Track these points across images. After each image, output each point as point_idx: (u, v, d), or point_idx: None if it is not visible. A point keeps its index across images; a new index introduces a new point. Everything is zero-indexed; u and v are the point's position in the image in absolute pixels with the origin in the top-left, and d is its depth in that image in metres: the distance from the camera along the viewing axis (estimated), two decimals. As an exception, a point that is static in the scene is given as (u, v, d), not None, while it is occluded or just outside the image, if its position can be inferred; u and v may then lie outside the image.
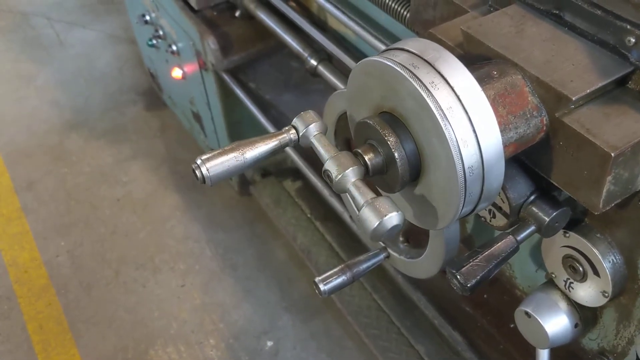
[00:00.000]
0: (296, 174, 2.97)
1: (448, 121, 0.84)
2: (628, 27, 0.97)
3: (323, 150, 0.99)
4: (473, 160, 0.86)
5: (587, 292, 1.20)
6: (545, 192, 1.12)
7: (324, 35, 2.13)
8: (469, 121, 0.85)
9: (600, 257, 1.14)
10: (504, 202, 1.12)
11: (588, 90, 0.96)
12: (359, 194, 0.88)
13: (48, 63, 4.29)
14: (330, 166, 0.92)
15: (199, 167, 0.99)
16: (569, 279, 1.22)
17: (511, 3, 1.14)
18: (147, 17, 3.03)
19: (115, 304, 2.89)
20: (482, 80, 0.96)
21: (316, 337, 2.73)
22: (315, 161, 2.48)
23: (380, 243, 1.56)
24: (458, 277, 1.04)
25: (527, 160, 1.06)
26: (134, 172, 3.49)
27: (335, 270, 1.43)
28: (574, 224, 1.17)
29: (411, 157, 0.92)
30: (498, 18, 1.10)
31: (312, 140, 1.02)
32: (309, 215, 2.84)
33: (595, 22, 1.02)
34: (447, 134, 0.84)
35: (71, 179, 3.49)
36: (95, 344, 2.76)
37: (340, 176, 0.90)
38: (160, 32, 2.97)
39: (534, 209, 1.10)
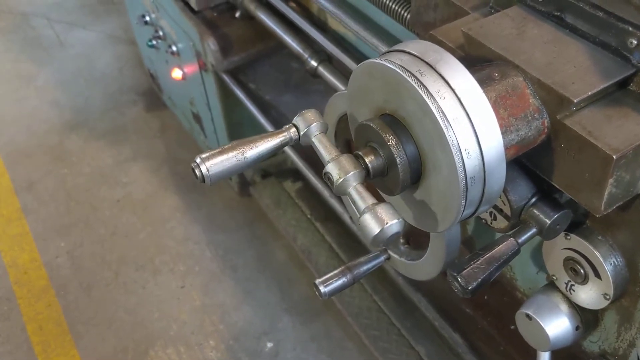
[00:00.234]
0: (296, 174, 2.97)
1: (449, 123, 0.84)
2: (630, 29, 0.97)
3: (324, 151, 0.98)
4: (474, 163, 0.86)
5: (588, 295, 1.20)
6: (547, 194, 1.11)
7: (324, 36, 2.13)
8: (470, 124, 0.85)
9: (601, 259, 1.13)
10: (505, 205, 1.12)
11: (590, 93, 0.95)
12: (360, 198, 0.87)
13: (48, 63, 4.29)
14: (331, 169, 0.92)
15: (198, 165, 0.98)
16: (570, 281, 1.22)
17: (512, 4, 1.14)
18: (147, 18, 3.03)
19: (115, 305, 2.89)
20: (483, 82, 0.95)
21: (316, 338, 2.73)
22: (315, 162, 2.48)
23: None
24: (459, 279, 1.04)
25: (528, 162, 1.06)
26: (134, 173, 3.49)
27: (335, 272, 1.43)
28: (575, 226, 1.17)
29: (412, 159, 0.92)
30: (499, 20, 1.10)
31: (313, 140, 1.01)
32: (309, 216, 2.83)
33: (596, 24, 1.02)
34: (448, 137, 0.84)
35: (71, 180, 3.48)
36: (95, 345, 2.75)
37: (341, 180, 0.90)
38: (160, 33, 2.97)
39: (535, 211, 1.10)
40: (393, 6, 1.70)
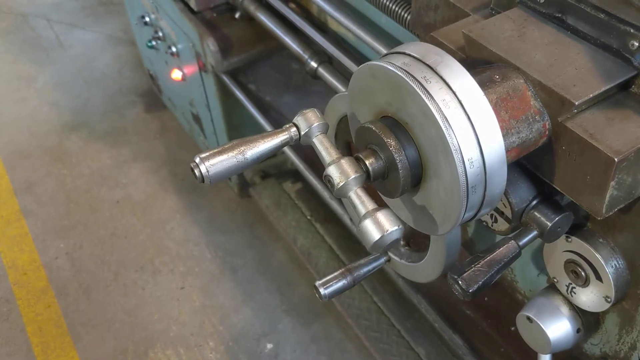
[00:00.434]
0: (296, 175, 2.97)
1: (450, 126, 0.83)
2: (631, 30, 0.96)
3: (325, 152, 0.97)
4: (475, 166, 0.85)
5: (589, 297, 1.19)
6: (548, 196, 1.11)
7: (325, 37, 2.12)
8: (471, 126, 0.84)
9: (602, 262, 1.13)
10: (506, 207, 1.12)
11: (591, 95, 0.95)
12: (360, 203, 0.87)
13: (48, 64, 4.28)
14: (332, 172, 0.91)
15: (197, 165, 0.96)
16: (571, 283, 1.22)
17: (513, 6, 1.13)
18: (147, 19, 3.02)
19: (114, 307, 2.88)
20: (484, 85, 0.95)
21: (316, 339, 2.72)
22: (315, 163, 2.48)
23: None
24: (460, 282, 1.03)
25: (529, 164, 1.05)
26: (133, 174, 3.49)
27: (335, 274, 1.43)
28: (576, 229, 1.17)
29: (413, 162, 0.91)
30: (500, 21, 1.09)
31: (314, 140, 1.00)
32: (309, 218, 2.83)
33: (598, 26, 1.01)
34: (449, 139, 0.83)
35: (71, 181, 3.48)
36: (94, 346, 2.75)
37: (342, 184, 0.89)
38: (160, 34, 2.96)
39: (536, 213, 1.09)
40: (393, 7, 1.70)
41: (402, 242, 1.51)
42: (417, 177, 0.93)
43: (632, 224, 1.07)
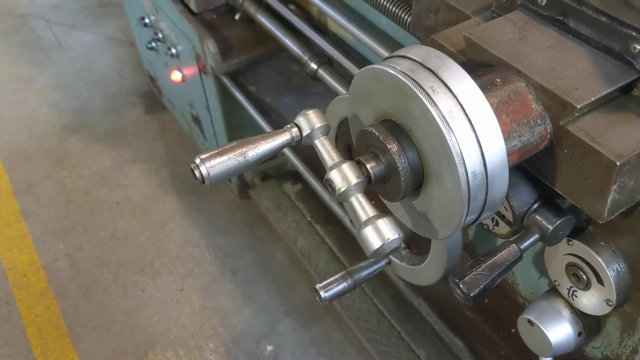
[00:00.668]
0: (296, 177, 2.96)
1: (451, 130, 0.83)
2: (633, 34, 0.96)
3: (327, 156, 0.97)
4: (477, 170, 0.85)
5: (590, 301, 1.19)
6: (549, 200, 1.11)
7: (324, 38, 2.12)
8: (472, 130, 0.84)
9: (604, 265, 1.13)
10: (507, 210, 1.11)
11: (592, 98, 0.94)
12: (361, 209, 0.87)
13: (47, 65, 4.28)
14: (334, 177, 0.90)
15: (197, 166, 0.95)
16: (572, 287, 1.21)
17: (514, 9, 1.13)
18: (147, 20, 3.02)
19: (114, 308, 2.88)
20: (485, 88, 0.95)
21: (316, 341, 2.72)
22: (315, 164, 2.47)
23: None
24: (461, 286, 1.03)
25: (530, 168, 1.05)
26: (133, 176, 3.48)
27: (336, 277, 1.42)
28: (577, 232, 1.16)
29: (414, 167, 0.91)
30: (501, 24, 1.09)
31: (315, 142, 0.99)
32: (309, 219, 2.83)
33: (599, 29, 1.01)
34: (450, 143, 0.83)
35: (70, 182, 3.47)
36: (94, 348, 2.74)
37: (343, 189, 0.89)
38: (160, 35, 2.96)
39: (537, 217, 1.09)
40: (393, 9, 1.69)
41: (402, 245, 1.50)
42: (418, 181, 0.93)
43: (633, 227, 1.07)
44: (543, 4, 1.07)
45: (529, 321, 1.26)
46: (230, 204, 3.28)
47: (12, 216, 3.31)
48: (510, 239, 1.10)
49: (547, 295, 1.29)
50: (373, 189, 1.02)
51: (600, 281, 1.15)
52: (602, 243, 1.14)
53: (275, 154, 1.01)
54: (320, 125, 0.99)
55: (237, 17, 2.56)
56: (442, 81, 0.86)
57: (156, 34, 2.98)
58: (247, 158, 0.95)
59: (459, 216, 0.89)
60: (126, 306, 2.89)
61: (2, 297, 2.95)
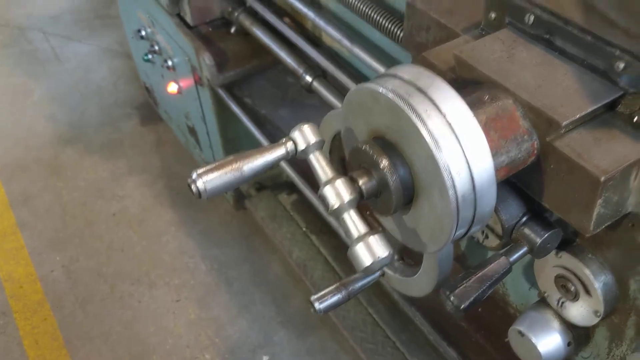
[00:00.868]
0: (291, 187, 2.98)
1: (440, 148, 0.85)
2: (617, 52, 0.99)
3: (321, 171, 0.99)
4: (465, 186, 0.88)
5: (579, 312, 1.21)
6: (537, 213, 1.13)
7: (319, 51, 2.15)
8: (460, 148, 0.86)
9: (592, 277, 1.15)
10: (496, 224, 1.14)
11: (578, 115, 0.97)
12: (353, 226, 0.89)
13: (44, 77, 4.30)
14: (327, 193, 0.93)
15: (194, 181, 0.97)
16: (561, 298, 1.24)
17: (503, 27, 1.16)
18: (143, 33, 3.05)
19: (110, 319, 2.89)
20: (473, 105, 0.97)
21: (312, 352, 2.73)
22: (310, 175, 2.49)
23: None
24: (452, 298, 1.05)
25: (518, 182, 1.07)
26: (129, 187, 3.50)
27: (330, 288, 1.44)
28: (565, 244, 1.19)
29: (404, 183, 0.93)
30: (490, 42, 1.12)
31: (310, 157, 1.02)
32: (304, 230, 2.84)
33: (585, 47, 1.04)
34: (439, 161, 0.86)
35: (67, 194, 3.49)
36: (91, 359, 2.75)
37: (336, 206, 0.92)
38: (156, 47, 2.99)
39: (526, 230, 1.11)
40: (387, 24, 1.72)
41: (396, 257, 1.52)
42: (409, 196, 0.95)
43: (619, 240, 1.10)
44: (530, 23, 1.10)
45: (520, 332, 1.28)
46: (226, 215, 3.30)
47: (8, 228, 3.32)
48: (500, 252, 1.13)
49: (537, 306, 1.31)
50: (366, 204, 1.05)
51: (588, 292, 1.17)
52: (590, 255, 1.16)
53: (272, 167, 1.04)
54: (314, 140, 1.01)
55: (232, 30, 2.59)
56: (432, 101, 0.88)
57: (152, 46, 3.00)
58: (243, 172, 0.98)
59: (449, 231, 0.92)
60: (123, 317, 2.90)
61: (-2, 308, 2.97)
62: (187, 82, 2.82)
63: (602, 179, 0.91)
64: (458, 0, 1.33)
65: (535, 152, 1.00)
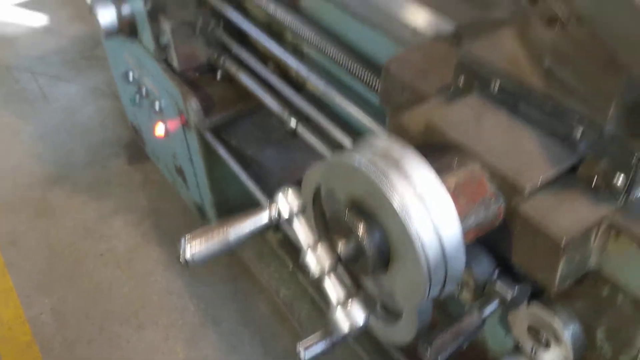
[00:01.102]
0: (277, 225, 3.02)
1: (411, 218, 0.92)
2: (576, 118, 1.06)
3: (303, 236, 1.06)
4: (435, 251, 0.94)
5: (551, 359, 1.27)
6: (508, 268, 1.19)
7: (302, 97, 2.22)
8: (429, 217, 0.93)
9: (561, 326, 1.21)
10: (470, 278, 1.20)
11: (541, 180, 1.04)
12: (334, 290, 0.95)
13: (32, 117, 4.35)
14: (309, 261, 1.00)
15: (184, 252, 1.05)
16: (534, 345, 1.29)
17: (472, 91, 1.23)
18: (130, 76, 3.11)
19: (99, 361, 2.91)
20: (443, 170, 1.04)
21: (300, 390, 2.75)
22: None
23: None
24: (428, 351, 1.11)
25: (488, 241, 1.13)
26: (117, 227, 3.53)
27: (317, 334, 1.49)
28: (537, 295, 1.25)
29: (380, 247, 0.99)
30: (459, 108, 1.19)
31: (294, 224, 1.09)
32: (291, 268, 2.88)
33: (546, 113, 1.11)
34: (409, 230, 0.92)
35: (55, 234, 3.52)
36: (79, 402, 2.77)
37: (317, 274, 0.98)
38: (144, 90, 3.05)
39: (497, 285, 1.17)
40: (366, 77, 1.80)
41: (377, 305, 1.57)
42: (385, 260, 1.01)
43: (585, 293, 1.16)
44: (495, 90, 1.17)
45: (496, 379, 1.34)
46: (214, 253, 3.33)
47: (-4, 269, 3.34)
48: (475, 303, 1.19)
49: (513, 353, 1.37)
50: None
51: (558, 341, 1.23)
52: (559, 306, 1.22)
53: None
54: (297, 207, 1.08)
55: (218, 76, 2.66)
56: (404, 171, 0.95)
57: (140, 89, 3.07)
58: (229, 242, 1.04)
59: (422, 292, 0.98)
60: (111, 358, 2.91)
61: (-14, 351, 2.97)
62: (175, 125, 2.88)
63: (564, 242, 0.97)
64: (433, 59, 1.41)
65: (502, 214, 1.06)
